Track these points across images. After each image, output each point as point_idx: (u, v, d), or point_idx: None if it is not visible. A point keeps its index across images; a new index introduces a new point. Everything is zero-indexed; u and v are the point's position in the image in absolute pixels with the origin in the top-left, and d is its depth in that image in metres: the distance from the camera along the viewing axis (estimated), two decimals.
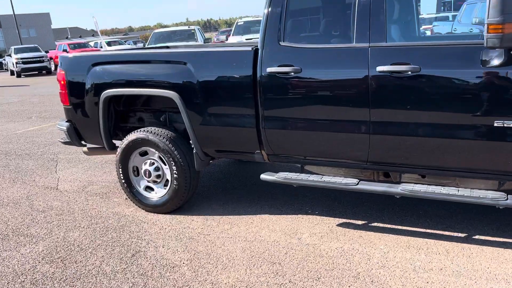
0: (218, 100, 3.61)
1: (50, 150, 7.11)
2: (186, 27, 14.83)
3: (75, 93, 4.30)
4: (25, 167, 6.20)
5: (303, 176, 3.44)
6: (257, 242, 3.46)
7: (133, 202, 4.28)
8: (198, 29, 14.98)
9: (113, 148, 4.38)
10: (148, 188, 4.23)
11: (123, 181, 4.23)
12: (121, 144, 4.17)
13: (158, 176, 4.10)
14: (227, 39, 21.37)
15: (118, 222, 4.05)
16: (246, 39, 11.38)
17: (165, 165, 4.04)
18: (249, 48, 3.48)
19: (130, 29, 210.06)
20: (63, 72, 4.31)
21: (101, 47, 30.44)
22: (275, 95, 3.37)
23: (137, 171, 4.24)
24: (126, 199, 4.63)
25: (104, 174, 5.60)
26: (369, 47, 3.05)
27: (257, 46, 3.49)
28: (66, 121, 4.50)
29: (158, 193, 4.16)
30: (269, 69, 3.33)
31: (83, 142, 4.61)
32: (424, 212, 3.76)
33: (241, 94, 3.49)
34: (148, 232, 3.80)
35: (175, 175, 3.93)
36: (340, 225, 3.64)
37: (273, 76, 3.33)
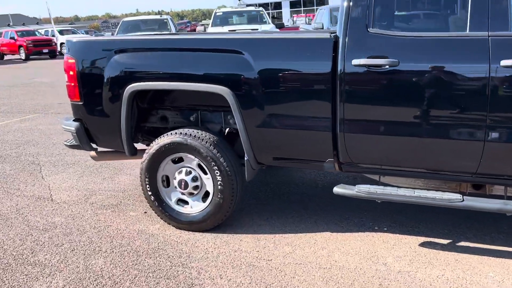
0: (283, 97, 2.99)
1: (26, 150, 6.16)
2: (158, 16, 13.91)
3: (89, 87, 3.52)
4: (1, 172, 5.26)
5: (391, 190, 2.89)
6: (336, 269, 2.88)
7: (162, 218, 3.57)
8: (170, 18, 14.09)
9: (135, 153, 3.64)
10: (181, 202, 3.54)
11: (150, 193, 3.51)
12: (149, 149, 3.45)
13: (195, 188, 3.41)
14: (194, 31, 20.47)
15: (148, 244, 3.33)
16: (230, 31, 10.71)
17: (206, 174, 3.36)
18: (327, 36, 2.88)
19: (76, 19, 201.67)
20: (73, 60, 3.51)
21: (53, 36, 28.53)
22: (361, 92, 2.80)
23: (167, 181, 3.54)
24: (145, 212, 3.91)
25: (105, 181, 4.81)
26: (489, 36, 2.53)
27: (335, 33, 2.90)
28: (74, 120, 3.70)
29: (194, 208, 3.48)
30: (355, 61, 2.75)
31: (93, 146, 3.83)
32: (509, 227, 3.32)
33: (315, 91, 2.89)
34: (192, 257, 3.12)
35: (219, 187, 3.27)
36: (423, 245, 3.13)
37: (360, 70, 2.75)
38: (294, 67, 2.94)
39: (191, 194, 3.44)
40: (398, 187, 2.95)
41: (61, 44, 28.29)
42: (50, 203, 4.23)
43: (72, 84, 3.56)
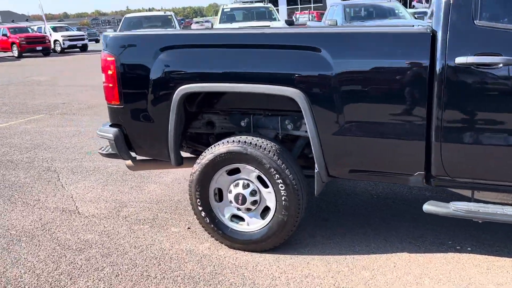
0: (367, 101, 2.59)
1: (39, 155, 5.69)
2: (161, 13, 13.42)
3: (131, 88, 3.10)
4: (16, 180, 4.80)
5: (495, 209, 2.51)
6: None
7: (213, 236, 3.16)
8: (173, 15, 13.61)
9: (181, 162, 3.22)
10: (235, 218, 3.13)
11: (201, 208, 3.10)
12: (201, 158, 3.03)
13: (253, 202, 3.01)
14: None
15: (202, 268, 2.92)
16: (241, 28, 10.26)
17: (266, 188, 2.96)
18: (423, 29, 2.49)
19: (66, 15, 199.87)
20: (112, 58, 3.08)
21: (45, 33, 27.82)
22: (466, 95, 2.41)
23: (219, 195, 3.12)
24: (188, 228, 3.50)
25: (133, 190, 4.37)
26: None
27: (430, 27, 2.51)
28: (112, 126, 3.27)
29: (252, 225, 3.07)
30: (460, 59, 2.36)
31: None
32: None
33: (407, 94, 2.50)
34: (257, 284, 2.72)
35: (284, 202, 2.87)
36: None
37: (465, 69, 2.37)
38: (381, 66, 2.54)
39: (248, 209, 3.04)
40: (501, 204, 2.57)
41: (55, 41, 27.67)
42: (77, 217, 3.79)
43: (111, 85, 3.13)
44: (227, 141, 2.96)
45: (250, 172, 2.97)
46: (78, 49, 28.15)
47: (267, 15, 11.98)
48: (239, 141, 2.92)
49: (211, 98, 3.21)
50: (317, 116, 2.68)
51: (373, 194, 4.00)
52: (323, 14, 26.86)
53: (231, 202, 3.05)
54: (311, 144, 2.76)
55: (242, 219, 3.11)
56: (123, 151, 3.27)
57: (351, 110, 2.61)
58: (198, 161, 3.05)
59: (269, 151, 2.86)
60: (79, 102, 9.51)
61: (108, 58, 3.11)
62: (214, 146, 3.00)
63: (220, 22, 11.44)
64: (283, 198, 2.87)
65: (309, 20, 19.69)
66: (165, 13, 13.33)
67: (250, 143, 2.89)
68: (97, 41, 39.68)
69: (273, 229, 2.96)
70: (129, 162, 3.49)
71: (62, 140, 6.41)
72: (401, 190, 4.02)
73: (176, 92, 2.94)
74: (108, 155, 3.40)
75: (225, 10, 12.04)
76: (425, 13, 13.72)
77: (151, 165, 3.55)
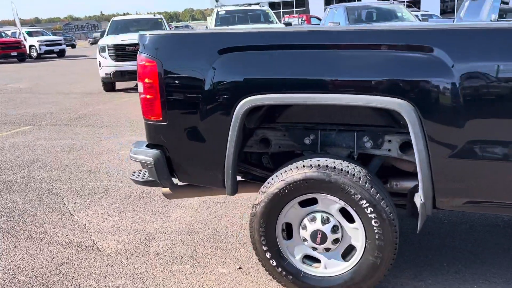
0: (498, 114, 2.05)
1: (35, 175, 4.98)
2: (151, 16, 12.71)
3: (178, 100, 2.49)
4: (13, 207, 4.10)
5: None
6: None
7: (280, 281, 2.56)
8: (164, 18, 12.93)
9: (237, 189, 2.62)
10: (308, 259, 2.54)
11: (265, 248, 2.50)
12: (267, 187, 2.44)
13: (335, 241, 2.43)
14: None
15: None
16: None
17: (351, 222, 2.39)
18: None
19: (37, 20, 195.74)
20: (154, 63, 2.47)
21: (20, 38, 26.62)
22: None
23: (287, 231, 2.54)
24: (239, 268, 2.89)
25: (157, 217, 3.73)
26: None
27: None
28: (150, 147, 2.65)
29: (330, 268, 2.49)
30: None
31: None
32: None
33: None
34: None
35: (378, 241, 2.30)
36: None
37: None
38: None
39: (327, 249, 2.45)
40: None
41: (30, 46, 26.52)
42: (98, 255, 3.14)
43: (151, 96, 2.51)
44: (302, 165, 2.37)
45: (330, 204, 2.39)
46: (55, 55, 27.05)
47: (263, 18, 11.45)
48: (318, 165, 2.34)
49: (273, 111, 2.62)
50: (429, 134, 2.12)
51: (442, 219, 3.48)
52: (313, 17, 26.62)
53: (304, 240, 2.46)
54: (418, 169, 2.20)
55: (316, 260, 2.53)
56: (164, 177, 2.64)
57: (476, 126, 2.07)
58: (263, 189, 2.46)
59: (359, 178, 2.29)
60: (68, 111, 8.75)
61: (148, 63, 2.49)
62: (285, 171, 2.41)
63: (215, 26, 10.84)
64: (376, 236, 2.30)
65: (299, 24, 19.23)
66: (154, 16, 12.63)
67: (334, 167, 2.32)
68: (73, 46, 38.45)
69: (360, 273, 2.39)
70: (166, 189, 2.87)
71: (58, 155, 5.69)
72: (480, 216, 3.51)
73: (240, 105, 2.34)
74: (144, 183, 2.76)
75: (220, 13, 11.45)
76: (430, 15, 13.49)
77: (193, 192, 2.94)
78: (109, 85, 11.05)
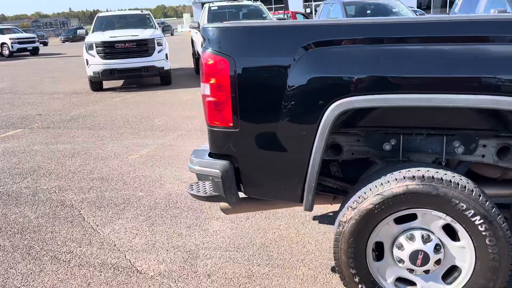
0: None
1: (41, 184, 4.53)
2: (138, 11, 12.18)
3: (254, 103, 2.15)
4: (26, 222, 3.67)
5: None
6: None
7: None
8: (151, 14, 12.43)
9: (312, 205, 2.29)
10: (400, 281, 2.25)
11: (354, 271, 2.19)
12: (358, 202, 2.13)
13: (436, 262, 2.14)
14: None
15: None
16: None
17: (457, 241, 2.10)
18: None
19: (3, 18, 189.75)
20: (225, 60, 2.12)
21: None
22: None
23: (377, 251, 2.23)
24: None
25: (193, 231, 3.38)
26: None
27: None
28: (214, 156, 2.30)
29: None
30: None
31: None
32: None
33: None
34: None
35: (491, 262, 2.03)
36: None
37: None
38: None
39: (426, 271, 2.16)
40: None
41: (2, 44, 25.41)
42: (141, 279, 2.77)
43: (219, 99, 2.16)
44: (403, 177, 2.07)
45: (433, 220, 2.10)
46: (28, 53, 25.98)
47: (257, 13, 11.11)
48: (422, 176, 2.04)
49: (356, 114, 2.31)
50: None
51: None
52: (298, 14, 26.33)
53: (400, 261, 2.16)
54: None
55: (410, 283, 2.23)
56: (232, 192, 2.30)
57: None
58: (352, 205, 2.14)
59: (472, 191, 2.00)
60: (59, 113, 8.22)
61: (217, 61, 2.14)
62: (381, 184, 2.10)
63: (208, 22, 10.44)
64: (490, 257, 2.02)
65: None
66: (142, 12, 12.11)
67: (441, 179, 2.02)
68: (45, 44, 37.16)
69: None
70: (224, 204, 2.52)
71: (62, 162, 5.24)
72: None
73: (331, 108, 2.02)
74: (209, 199, 2.40)
75: (212, 9, 11.05)
76: (415, 11, 13.42)
77: (255, 206, 2.60)
78: (97, 84, 10.53)
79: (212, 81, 2.17)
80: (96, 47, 10.03)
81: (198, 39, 10.83)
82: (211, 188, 2.41)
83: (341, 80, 2.02)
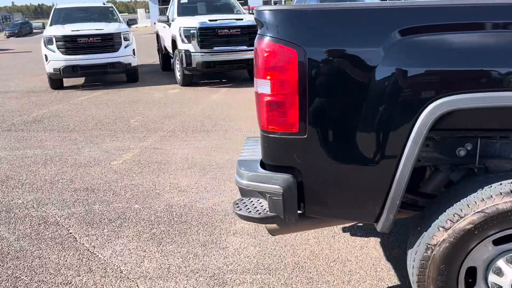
0: None
1: (13, 197, 3.91)
2: (99, 4, 11.37)
3: (330, 104, 1.75)
4: (5, 245, 3.09)
5: None
6: None
7: None
8: (113, 7, 11.66)
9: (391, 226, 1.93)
10: None
11: None
12: (452, 222, 1.78)
13: None
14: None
15: None
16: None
17: None
18: None
19: None
20: (293, 50, 1.71)
21: None
22: None
23: (469, 276, 1.89)
24: None
25: (211, 249, 2.93)
26: None
27: None
28: (270, 169, 1.88)
29: None
30: None
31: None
32: None
33: None
34: None
35: None
36: None
37: None
38: None
39: None
40: None
41: None
42: None
43: (282, 100, 1.75)
44: (509, 191, 1.73)
45: None
46: None
47: (228, 8, 10.62)
48: None
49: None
50: None
51: None
52: None
53: None
54: None
55: None
56: (293, 211, 1.89)
57: None
58: (445, 225, 1.79)
59: None
60: (18, 114, 7.44)
61: (280, 51, 1.72)
62: (482, 200, 1.75)
63: (178, 15, 9.86)
64: None
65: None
66: (104, 4, 11.33)
67: None
68: None
69: None
70: (273, 225, 2.10)
71: (34, 170, 4.60)
72: None
73: (429, 109, 1.66)
74: (264, 220, 1.97)
75: (182, 2, 10.46)
76: None
77: (307, 226, 2.20)
78: (57, 81, 9.71)
79: (274, 76, 1.74)
80: (56, 41, 9.23)
81: (167, 34, 10.23)
82: (263, 207, 1.98)
83: (444, 75, 1.65)
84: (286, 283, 2.55)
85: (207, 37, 8.69)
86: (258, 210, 1.97)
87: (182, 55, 8.79)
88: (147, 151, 5.08)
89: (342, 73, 1.72)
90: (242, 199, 2.08)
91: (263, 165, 1.95)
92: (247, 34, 8.85)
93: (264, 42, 1.77)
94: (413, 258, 1.91)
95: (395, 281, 2.54)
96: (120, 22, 10.73)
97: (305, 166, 1.83)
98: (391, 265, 2.70)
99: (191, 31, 8.68)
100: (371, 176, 1.80)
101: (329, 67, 1.72)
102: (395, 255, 2.81)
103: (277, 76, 1.74)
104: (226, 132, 5.72)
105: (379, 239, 2.99)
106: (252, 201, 2.05)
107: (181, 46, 8.83)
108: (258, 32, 1.84)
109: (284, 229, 2.16)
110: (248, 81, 9.77)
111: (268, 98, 1.78)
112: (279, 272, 2.66)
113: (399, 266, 2.68)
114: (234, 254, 2.87)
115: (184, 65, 8.84)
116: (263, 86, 1.79)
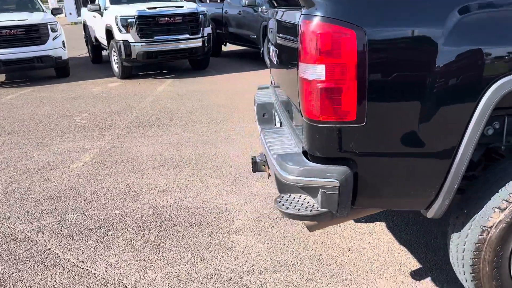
0: None
1: (2, 228, 3.43)
2: None
3: (391, 88, 1.65)
4: (27, 286, 2.68)
5: None
6: None
7: None
8: None
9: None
10: None
11: (499, 283, 1.84)
12: (508, 202, 1.76)
13: None
14: None
15: None
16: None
17: None
18: None
19: None
20: (351, 32, 1.57)
21: None
22: None
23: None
24: None
25: (217, 252, 2.74)
26: None
27: None
28: (321, 162, 1.75)
29: None
30: None
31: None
32: None
33: None
34: None
35: None
36: None
37: None
38: None
39: None
40: None
41: None
42: None
43: (338, 86, 1.62)
44: None
45: None
46: None
47: None
48: None
49: None
50: None
51: None
52: None
53: None
54: None
55: None
56: (346, 205, 1.77)
57: None
58: (501, 205, 1.77)
59: None
60: None
61: (337, 33, 1.58)
62: None
63: (111, 4, 9.22)
64: None
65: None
66: None
67: None
68: None
69: None
70: (312, 222, 1.98)
71: None
72: None
73: (493, 89, 1.60)
74: (317, 217, 1.81)
75: None
76: None
77: (347, 218, 2.09)
78: None
79: (329, 61, 1.60)
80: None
81: (98, 24, 9.58)
82: (309, 203, 1.84)
83: (509, 53, 1.60)
84: (310, 278, 2.44)
85: (147, 26, 8.23)
86: (307, 207, 1.82)
87: (120, 46, 8.27)
88: (107, 151, 4.69)
89: (404, 55, 1.62)
90: (282, 196, 1.92)
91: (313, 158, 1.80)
92: (188, 22, 8.52)
93: (315, 23, 1.61)
94: (464, 241, 1.87)
95: (416, 264, 2.53)
96: (44, 11, 9.85)
97: (361, 156, 1.71)
98: (405, 249, 2.68)
99: (129, 20, 8.17)
100: (431, 161, 1.73)
101: (390, 49, 1.61)
102: (406, 237, 2.80)
103: (333, 61, 1.60)
104: (186, 125, 5.46)
105: (384, 224, 2.97)
106: (294, 197, 1.90)
107: (119, 36, 8.30)
108: (303, 12, 1.68)
109: (324, 224, 2.04)
110: (190, 71, 9.45)
111: (321, 85, 1.64)
112: (298, 268, 2.54)
113: (414, 249, 2.68)
114: (244, 254, 2.71)
115: (123, 57, 8.32)
116: (314, 72, 1.64)
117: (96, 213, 3.32)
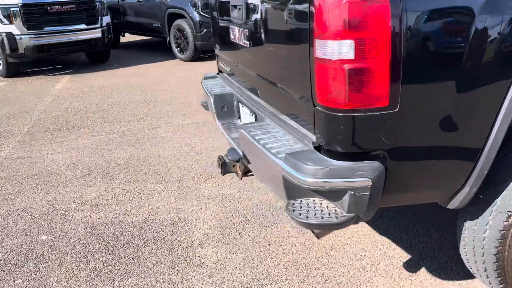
0: None
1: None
2: None
3: (429, 68, 1.40)
4: None
5: None
6: None
7: None
8: None
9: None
10: None
11: None
12: None
13: None
14: None
15: None
16: None
17: None
18: None
19: None
20: (384, 2, 1.30)
21: None
22: None
23: None
24: None
25: (198, 274, 2.35)
26: None
27: None
28: (345, 159, 1.47)
29: None
30: None
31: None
32: None
33: None
34: None
35: None
36: None
37: None
38: None
39: None
40: None
41: None
42: None
43: (369, 66, 1.34)
44: None
45: None
46: None
47: None
48: None
49: None
50: None
51: None
52: None
53: None
54: None
55: None
56: (375, 207, 1.51)
57: None
58: None
59: None
60: None
61: (368, 3, 1.29)
62: None
63: None
64: None
65: None
66: None
67: None
68: None
69: None
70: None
71: None
72: None
73: None
74: (342, 225, 1.52)
75: None
76: None
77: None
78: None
79: (359, 35, 1.31)
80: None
81: None
82: (328, 208, 1.55)
83: None
84: (302, 287, 2.17)
85: (34, 15, 7.24)
86: (330, 214, 1.52)
87: (2, 39, 7.18)
88: (12, 163, 3.94)
89: (442, 29, 1.38)
90: (293, 203, 1.60)
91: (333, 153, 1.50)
92: (83, 11, 7.67)
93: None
94: (483, 229, 1.73)
95: (405, 255, 2.38)
96: None
97: (394, 149, 1.46)
98: (388, 240, 2.53)
99: (12, 9, 7.11)
100: (464, 145, 1.53)
101: (428, 23, 1.36)
102: (383, 227, 2.65)
103: (364, 35, 1.31)
104: (102, 125, 4.84)
105: None
106: (307, 203, 1.59)
107: (0, 28, 7.20)
108: None
109: (323, 233, 1.77)
110: (89, 65, 8.57)
111: (350, 66, 1.34)
112: (284, 277, 2.25)
113: (396, 238, 2.54)
114: (218, 269, 2.34)
115: (8, 52, 7.25)
116: (339, 50, 1.34)
117: (17, 242, 2.70)
